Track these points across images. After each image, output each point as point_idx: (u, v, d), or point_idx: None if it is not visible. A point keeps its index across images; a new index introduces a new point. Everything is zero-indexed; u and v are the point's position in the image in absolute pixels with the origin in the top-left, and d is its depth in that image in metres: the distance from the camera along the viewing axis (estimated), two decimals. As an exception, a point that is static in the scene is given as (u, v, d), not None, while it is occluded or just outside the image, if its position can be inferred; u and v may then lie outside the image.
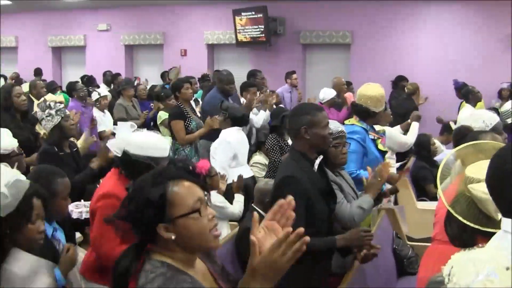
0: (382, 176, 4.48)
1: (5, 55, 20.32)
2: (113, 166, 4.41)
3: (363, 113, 5.79)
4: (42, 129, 6.76)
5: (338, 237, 3.92)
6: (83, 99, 9.72)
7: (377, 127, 6.17)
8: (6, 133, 4.93)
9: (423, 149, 8.18)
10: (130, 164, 4.15)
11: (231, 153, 6.96)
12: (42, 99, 7.21)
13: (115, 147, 4.25)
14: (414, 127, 7.73)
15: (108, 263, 4.01)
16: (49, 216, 3.89)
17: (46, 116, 5.78)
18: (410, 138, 7.45)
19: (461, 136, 7.50)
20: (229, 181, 6.75)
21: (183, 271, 2.34)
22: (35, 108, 6.95)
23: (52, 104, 5.90)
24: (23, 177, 3.15)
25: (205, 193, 2.44)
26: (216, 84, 9.01)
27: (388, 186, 5.82)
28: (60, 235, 4.06)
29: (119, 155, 4.21)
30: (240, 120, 7.23)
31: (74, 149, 6.07)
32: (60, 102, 6.62)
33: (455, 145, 7.90)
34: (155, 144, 4.23)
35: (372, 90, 5.83)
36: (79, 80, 13.55)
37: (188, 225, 2.32)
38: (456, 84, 11.51)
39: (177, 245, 2.34)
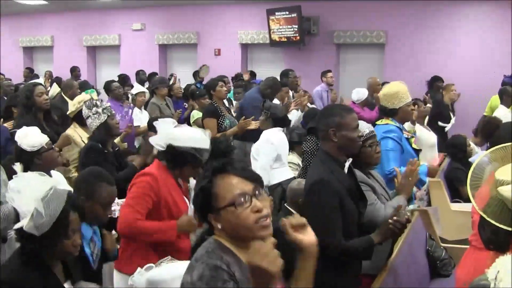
0: (413, 175, 4.44)
1: (41, 54, 20.62)
2: (157, 158, 4.56)
3: (384, 111, 5.89)
4: (75, 129, 6.80)
5: (372, 235, 3.86)
6: (118, 98, 9.77)
7: (407, 127, 6.24)
8: (33, 130, 4.99)
9: (458, 151, 8.08)
10: (174, 157, 4.35)
11: (274, 154, 6.93)
12: (77, 98, 7.23)
13: (158, 141, 4.39)
14: None
15: (121, 226, 4.20)
16: (89, 221, 3.96)
17: (93, 114, 5.88)
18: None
19: (492, 128, 7.42)
20: (272, 183, 6.75)
21: (230, 251, 2.49)
22: (71, 108, 6.95)
23: (98, 102, 6.00)
24: (60, 185, 3.13)
25: (258, 187, 2.57)
26: (262, 86, 8.98)
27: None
28: (97, 238, 4.11)
29: (164, 149, 4.35)
30: (282, 120, 7.21)
31: (116, 149, 6.21)
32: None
33: (483, 136, 7.90)
34: (197, 135, 4.44)
35: (387, 89, 6.01)
36: (116, 78, 13.64)
37: (229, 217, 2.48)
38: (507, 80, 11.42)
39: (228, 233, 2.52)
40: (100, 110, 5.88)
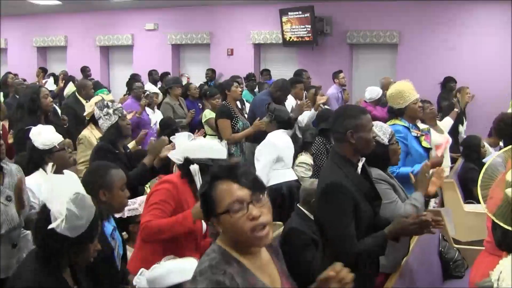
0: (429, 172, 4.48)
1: (54, 54, 20.69)
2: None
3: (392, 112, 5.96)
4: (91, 130, 6.81)
5: (386, 231, 3.82)
6: (138, 97, 9.75)
7: (421, 126, 6.24)
8: (48, 129, 5.01)
9: (472, 152, 8.06)
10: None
11: (274, 156, 6.96)
12: (93, 99, 7.26)
13: (176, 156, 4.42)
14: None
15: (141, 234, 4.26)
16: (109, 213, 3.95)
17: (104, 115, 5.88)
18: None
19: (506, 125, 7.36)
20: (271, 183, 6.76)
21: (233, 259, 2.48)
22: (87, 109, 6.95)
23: (109, 103, 6.00)
24: (82, 190, 3.12)
25: (258, 193, 2.51)
26: (272, 89, 8.93)
27: None
28: (118, 236, 4.08)
29: (181, 162, 4.39)
30: (286, 122, 7.22)
31: (128, 150, 6.20)
32: (112, 101, 6.71)
33: (496, 133, 7.87)
34: (213, 146, 4.48)
35: (392, 89, 6.06)
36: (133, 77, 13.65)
37: (226, 223, 2.47)
38: None
39: (228, 238, 2.52)
40: (111, 111, 5.87)
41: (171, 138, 4.75)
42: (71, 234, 2.90)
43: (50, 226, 2.90)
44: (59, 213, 2.90)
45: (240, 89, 8.73)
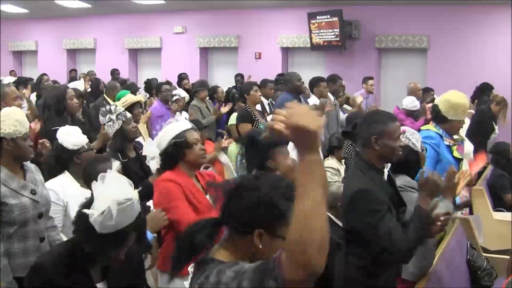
0: (455, 177, 4.38)
1: (84, 56, 20.85)
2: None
3: (435, 115, 5.80)
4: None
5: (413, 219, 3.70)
6: (167, 101, 9.74)
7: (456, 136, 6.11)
8: (75, 130, 5.02)
9: (502, 158, 7.96)
10: (169, 156, 4.37)
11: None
12: (122, 99, 7.25)
13: (154, 163, 4.53)
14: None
15: (181, 226, 4.03)
16: None
17: (107, 122, 5.80)
18: None
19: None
20: None
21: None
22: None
23: (112, 108, 5.92)
24: (137, 201, 3.05)
25: None
26: (286, 86, 8.95)
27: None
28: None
29: (159, 162, 4.46)
30: None
31: (140, 151, 5.96)
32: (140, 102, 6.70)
33: None
34: (173, 124, 4.52)
35: (450, 96, 5.80)
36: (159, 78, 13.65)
37: (271, 243, 2.35)
38: None
39: (251, 253, 2.39)
40: (114, 116, 5.76)
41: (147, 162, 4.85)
42: (99, 229, 2.87)
43: (85, 211, 2.91)
44: (99, 206, 2.89)
45: (259, 93, 8.67)
